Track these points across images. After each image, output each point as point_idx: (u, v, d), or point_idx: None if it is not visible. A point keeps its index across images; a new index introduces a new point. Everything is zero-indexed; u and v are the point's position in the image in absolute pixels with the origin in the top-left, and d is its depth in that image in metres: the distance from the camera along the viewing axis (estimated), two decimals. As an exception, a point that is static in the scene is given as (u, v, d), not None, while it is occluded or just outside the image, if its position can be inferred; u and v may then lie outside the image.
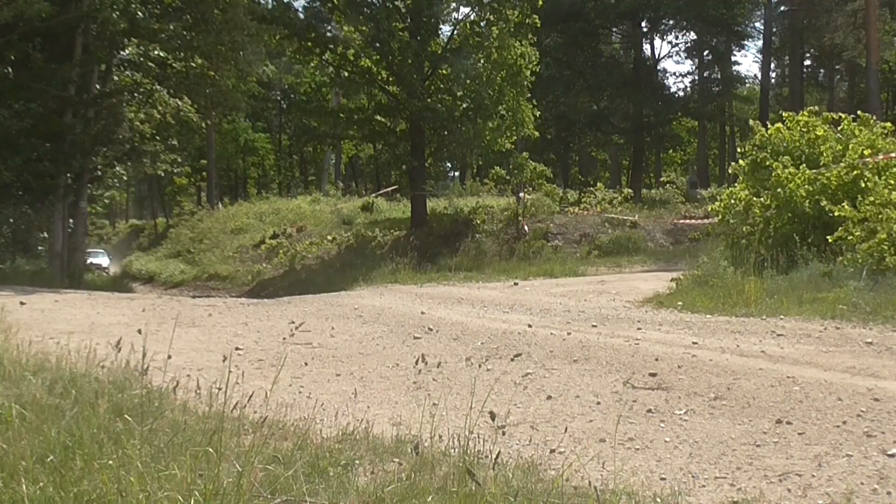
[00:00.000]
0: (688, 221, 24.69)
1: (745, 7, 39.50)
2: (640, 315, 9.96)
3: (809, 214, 11.63)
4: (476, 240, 23.26)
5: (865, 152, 12.06)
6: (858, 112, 13.57)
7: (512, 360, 6.66)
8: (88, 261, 32.24)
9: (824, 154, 12.43)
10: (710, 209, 15.22)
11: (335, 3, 24.48)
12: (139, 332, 5.77)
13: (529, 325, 9.25)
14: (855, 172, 11.57)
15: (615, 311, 10.53)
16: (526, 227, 23.61)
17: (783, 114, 13.74)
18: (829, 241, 10.95)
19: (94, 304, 12.40)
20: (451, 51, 24.03)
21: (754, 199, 12.48)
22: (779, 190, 11.92)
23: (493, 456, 3.48)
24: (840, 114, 13.56)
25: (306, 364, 7.24)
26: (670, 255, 21.24)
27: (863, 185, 11.44)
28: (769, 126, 13.45)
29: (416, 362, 4.89)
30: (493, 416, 3.44)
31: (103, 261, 36.92)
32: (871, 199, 11.00)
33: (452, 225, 24.88)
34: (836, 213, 11.12)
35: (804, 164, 12.29)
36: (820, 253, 10.97)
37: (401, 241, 23.70)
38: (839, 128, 13.12)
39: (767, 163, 12.56)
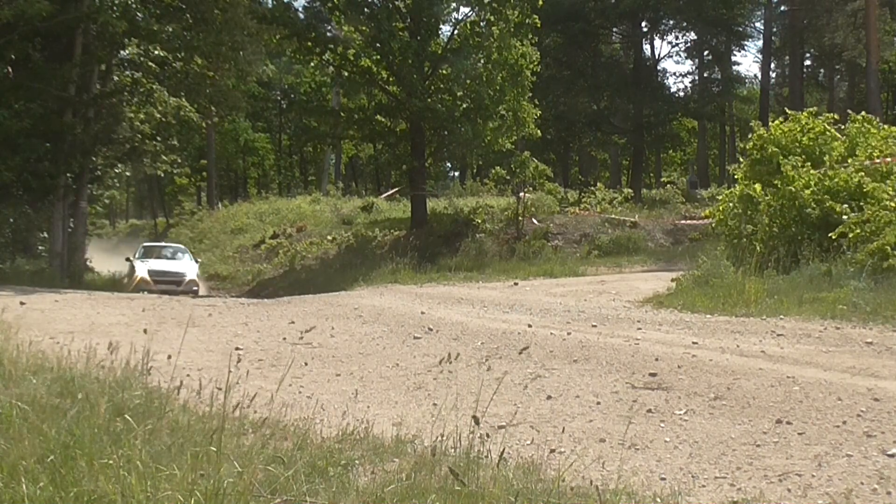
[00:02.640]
0: (687, 222, 24.70)
1: (745, 7, 39.51)
2: (640, 315, 9.96)
3: (814, 214, 11.62)
4: (476, 240, 23.27)
5: (874, 154, 12.07)
6: (862, 113, 13.59)
7: (519, 353, 6.66)
8: (145, 268, 20.36)
9: (828, 154, 12.43)
10: (706, 213, 15.21)
11: (335, 3, 24.49)
12: (145, 331, 5.78)
13: (529, 325, 9.25)
14: (860, 175, 11.57)
15: (615, 311, 10.53)
16: (535, 220, 23.64)
17: (787, 111, 13.74)
18: (832, 237, 10.94)
19: (94, 304, 12.40)
20: (451, 51, 24.04)
21: (761, 197, 12.43)
22: (789, 188, 11.89)
23: (494, 456, 3.48)
24: (848, 111, 13.58)
25: (306, 364, 7.24)
26: (670, 255, 21.25)
27: (865, 188, 11.44)
28: (770, 126, 13.44)
29: (442, 361, 4.89)
30: (476, 420, 3.46)
31: (187, 268, 21.18)
32: (875, 202, 11.01)
33: (452, 225, 24.88)
34: (840, 214, 11.11)
35: (809, 164, 12.28)
36: (822, 252, 10.96)
37: (401, 241, 23.70)
38: (842, 127, 13.14)
39: (779, 160, 12.52)
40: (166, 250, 23.90)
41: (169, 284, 19.59)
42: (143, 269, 20.57)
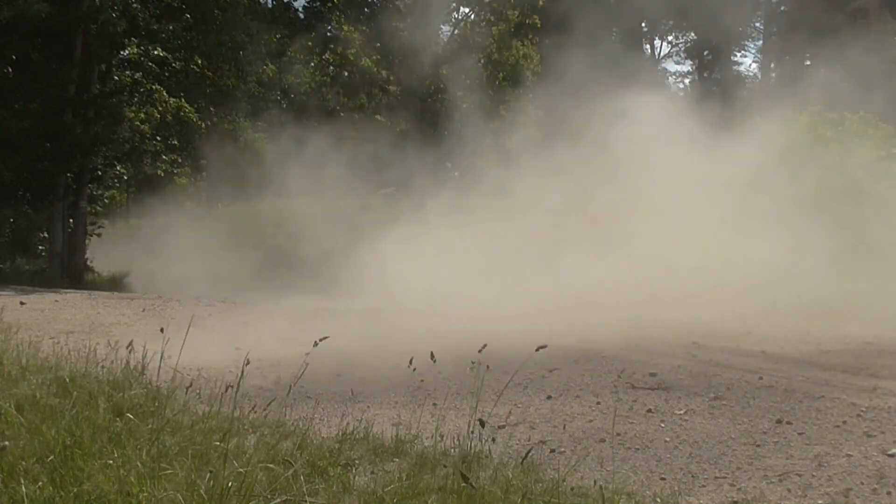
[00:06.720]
0: None
1: (746, 7, 39.48)
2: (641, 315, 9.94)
3: None
4: (476, 240, 23.22)
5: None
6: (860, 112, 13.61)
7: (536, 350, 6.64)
8: None
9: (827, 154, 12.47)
10: None
11: (335, 2, 24.49)
12: (161, 331, 5.76)
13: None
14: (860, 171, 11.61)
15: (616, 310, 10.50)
16: None
17: (790, 111, 13.75)
18: None
19: (94, 304, 12.39)
20: (451, 51, 24.04)
21: None
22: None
23: (494, 456, 3.47)
24: (846, 113, 13.61)
25: (307, 364, 7.22)
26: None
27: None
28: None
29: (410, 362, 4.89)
30: (482, 423, 3.45)
31: None
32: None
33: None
34: None
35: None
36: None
37: (401, 240, 23.59)
38: (841, 128, 13.16)
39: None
40: None
41: None
42: None
